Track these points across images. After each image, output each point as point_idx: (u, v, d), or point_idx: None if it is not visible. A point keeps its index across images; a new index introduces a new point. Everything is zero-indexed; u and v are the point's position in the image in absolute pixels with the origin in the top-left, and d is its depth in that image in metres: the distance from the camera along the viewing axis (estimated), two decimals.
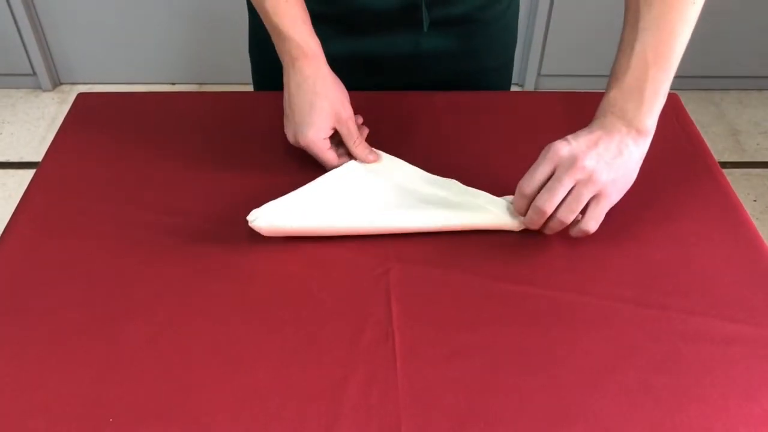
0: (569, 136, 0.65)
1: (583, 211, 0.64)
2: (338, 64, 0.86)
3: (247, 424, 0.52)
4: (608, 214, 0.64)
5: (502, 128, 0.82)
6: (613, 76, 0.66)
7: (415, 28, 0.84)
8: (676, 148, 0.79)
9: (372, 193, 0.70)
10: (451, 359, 0.56)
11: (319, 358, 0.56)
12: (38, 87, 2.29)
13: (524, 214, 0.66)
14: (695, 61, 2.22)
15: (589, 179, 0.62)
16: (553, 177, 0.63)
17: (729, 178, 0.75)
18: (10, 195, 1.92)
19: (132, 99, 0.88)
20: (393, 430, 0.51)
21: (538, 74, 2.24)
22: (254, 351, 0.57)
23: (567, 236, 0.67)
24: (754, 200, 1.92)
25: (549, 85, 2.26)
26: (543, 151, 0.65)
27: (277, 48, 0.73)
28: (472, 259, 0.65)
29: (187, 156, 0.77)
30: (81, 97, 0.87)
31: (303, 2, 0.73)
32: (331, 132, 0.72)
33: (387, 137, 0.79)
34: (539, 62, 2.20)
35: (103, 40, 2.20)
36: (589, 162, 0.62)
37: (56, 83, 2.31)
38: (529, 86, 2.26)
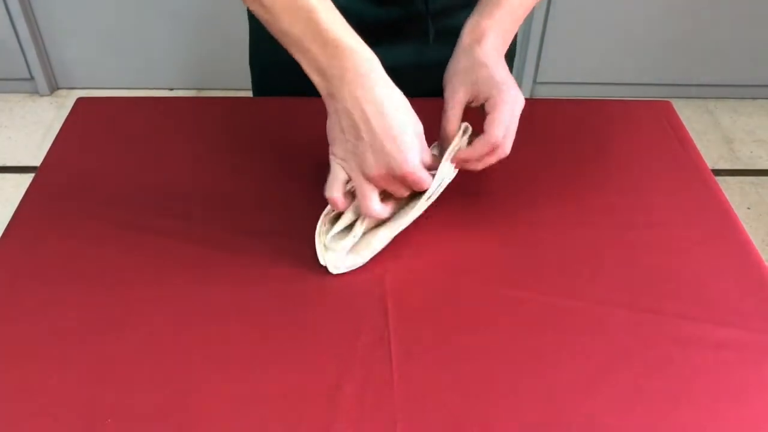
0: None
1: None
2: None
3: (244, 425, 0.52)
4: (602, 221, 0.64)
5: None
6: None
7: (419, 39, 0.84)
8: (669, 155, 0.80)
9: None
10: (446, 362, 0.57)
11: (315, 361, 0.57)
12: (36, 91, 2.30)
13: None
14: (690, 69, 2.25)
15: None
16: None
17: (723, 186, 0.76)
18: (7, 199, 1.92)
19: (131, 104, 0.89)
20: None
21: (534, 82, 2.25)
22: (251, 353, 0.58)
23: (561, 241, 0.68)
24: (748, 208, 1.93)
25: (545, 93, 2.27)
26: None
27: (321, 65, 0.61)
28: (468, 264, 0.66)
29: (185, 161, 0.77)
30: (80, 101, 0.87)
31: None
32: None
33: None
34: (535, 70, 2.22)
35: (101, 44, 2.21)
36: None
37: (54, 88, 2.32)
38: (525, 94, 2.25)
